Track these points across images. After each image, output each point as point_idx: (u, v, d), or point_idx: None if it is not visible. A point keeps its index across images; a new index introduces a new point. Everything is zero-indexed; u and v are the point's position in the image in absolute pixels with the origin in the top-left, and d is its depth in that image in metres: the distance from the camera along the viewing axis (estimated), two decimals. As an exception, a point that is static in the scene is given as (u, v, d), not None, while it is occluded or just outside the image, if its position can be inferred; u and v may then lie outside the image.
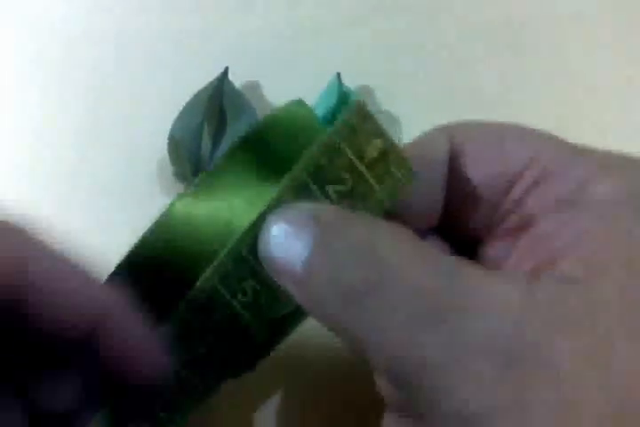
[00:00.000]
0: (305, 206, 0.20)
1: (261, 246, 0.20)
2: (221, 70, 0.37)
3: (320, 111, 0.36)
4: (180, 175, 0.37)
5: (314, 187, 0.20)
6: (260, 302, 0.20)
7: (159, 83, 0.40)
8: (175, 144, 0.36)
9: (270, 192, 0.20)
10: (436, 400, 0.17)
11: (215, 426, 0.31)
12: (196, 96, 0.37)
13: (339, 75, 0.37)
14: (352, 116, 0.20)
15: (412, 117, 0.39)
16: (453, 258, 0.19)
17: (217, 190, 0.22)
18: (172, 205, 0.22)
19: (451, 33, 0.42)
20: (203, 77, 0.38)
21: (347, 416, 0.32)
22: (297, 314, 0.21)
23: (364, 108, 0.21)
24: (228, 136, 0.36)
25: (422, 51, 0.41)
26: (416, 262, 0.18)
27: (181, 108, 0.37)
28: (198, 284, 0.20)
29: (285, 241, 0.19)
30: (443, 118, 0.41)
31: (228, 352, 0.21)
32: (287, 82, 0.40)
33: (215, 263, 0.20)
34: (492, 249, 0.23)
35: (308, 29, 0.41)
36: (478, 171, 0.23)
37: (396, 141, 0.22)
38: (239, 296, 0.20)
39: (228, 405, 0.32)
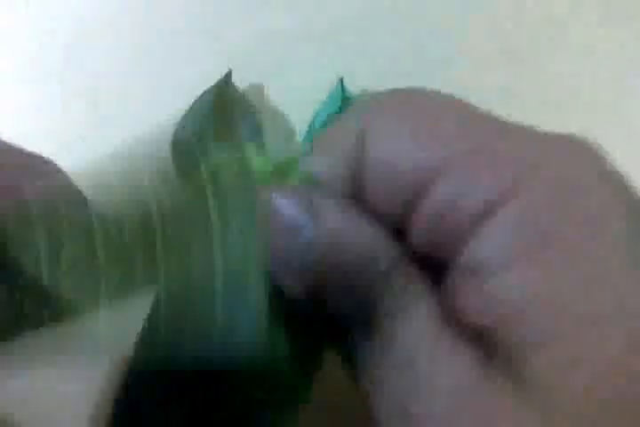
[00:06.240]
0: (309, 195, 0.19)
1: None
2: (224, 73, 0.37)
3: (322, 118, 0.37)
4: (183, 177, 0.37)
5: None
6: None
7: (162, 85, 0.40)
8: (178, 147, 0.36)
9: None
10: None
11: None
12: (199, 99, 0.37)
13: (341, 80, 0.37)
14: None
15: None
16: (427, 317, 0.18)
17: None
18: None
19: (454, 37, 0.42)
20: (206, 80, 0.38)
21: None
22: None
23: None
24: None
25: (425, 55, 0.42)
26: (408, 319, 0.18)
27: (184, 111, 0.37)
28: None
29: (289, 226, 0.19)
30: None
31: None
32: (291, 85, 0.40)
33: None
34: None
35: (312, 32, 0.41)
36: (385, 176, 0.18)
37: None
38: None
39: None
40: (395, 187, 0.18)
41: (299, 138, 0.39)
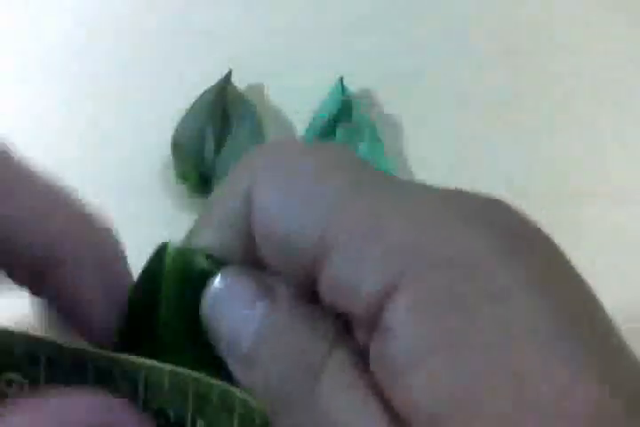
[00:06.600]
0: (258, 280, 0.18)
1: (206, 310, 0.18)
2: (225, 73, 0.38)
3: (322, 118, 0.37)
4: (183, 177, 0.37)
5: None
6: None
7: (163, 85, 0.40)
8: (179, 146, 0.36)
9: None
10: None
11: None
12: (200, 99, 0.37)
13: (341, 80, 0.37)
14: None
15: (415, 121, 0.40)
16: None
17: None
18: None
19: (454, 36, 0.42)
20: (207, 80, 0.38)
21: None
22: None
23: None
24: (232, 139, 0.36)
25: (425, 55, 0.42)
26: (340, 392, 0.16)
27: (185, 111, 0.37)
28: None
29: (235, 309, 0.18)
30: (445, 122, 0.41)
31: None
32: (291, 84, 0.40)
33: None
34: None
35: (312, 32, 0.41)
36: (275, 251, 0.17)
37: None
38: None
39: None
40: (288, 260, 0.17)
41: (298, 138, 0.38)
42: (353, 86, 0.39)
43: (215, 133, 0.36)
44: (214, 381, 0.18)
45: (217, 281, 0.18)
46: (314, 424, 0.16)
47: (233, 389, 0.17)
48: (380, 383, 0.16)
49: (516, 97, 0.41)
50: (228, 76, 0.37)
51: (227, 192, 0.19)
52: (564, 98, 0.42)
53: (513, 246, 0.16)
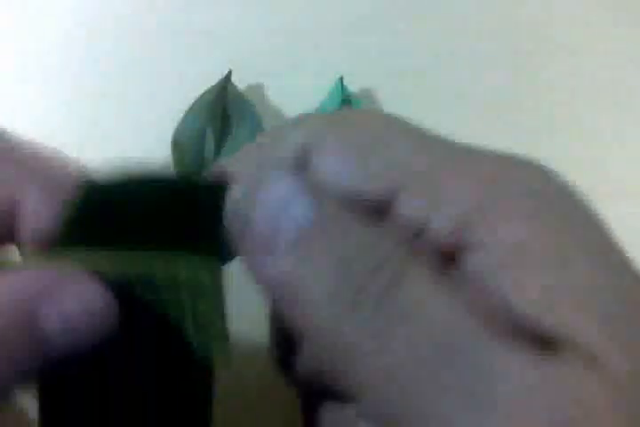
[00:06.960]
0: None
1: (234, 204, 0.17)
2: (225, 73, 0.38)
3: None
4: (183, 177, 0.37)
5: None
6: None
7: (163, 85, 0.40)
8: (178, 147, 0.36)
9: None
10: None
11: None
12: (200, 99, 0.37)
13: (341, 79, 0.37)
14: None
15: (415, 121, 0.40)
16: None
17: None
18: None
19: (455, 36, 0.42)
20: (207, 80, 0.38)
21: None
22: None
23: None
24: (232, 140, 0.36)
25: (425, 55, 0.42)
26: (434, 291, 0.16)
27: (185, 111, 0.37)
28: None
29: (278, 204, 0.16)
30: (446, 121, 0.41)
31: None
32: (291, 84, 0.40)
33: None
34: None
35: (312, 32, 0.41)
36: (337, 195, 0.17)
37: None
38: None
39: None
40: (352, 202, 0.17)
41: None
42: (353, 86, 0.39)
43: (215, 133, 0.36)
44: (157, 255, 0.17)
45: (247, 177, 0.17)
46: (401, 319, 0.16)
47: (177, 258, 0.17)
48: (469, 287, 0.16)
49: (516, 97, 0.41)
50: (228, 76, 0.37)
51: (275, 142, 0.18)
52: (563, 98, 0.42)
53: (560, 185, 0.18)
